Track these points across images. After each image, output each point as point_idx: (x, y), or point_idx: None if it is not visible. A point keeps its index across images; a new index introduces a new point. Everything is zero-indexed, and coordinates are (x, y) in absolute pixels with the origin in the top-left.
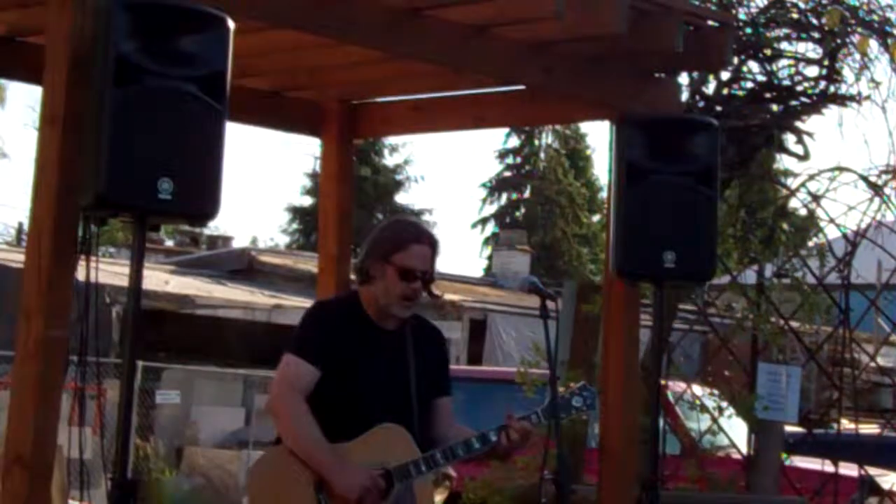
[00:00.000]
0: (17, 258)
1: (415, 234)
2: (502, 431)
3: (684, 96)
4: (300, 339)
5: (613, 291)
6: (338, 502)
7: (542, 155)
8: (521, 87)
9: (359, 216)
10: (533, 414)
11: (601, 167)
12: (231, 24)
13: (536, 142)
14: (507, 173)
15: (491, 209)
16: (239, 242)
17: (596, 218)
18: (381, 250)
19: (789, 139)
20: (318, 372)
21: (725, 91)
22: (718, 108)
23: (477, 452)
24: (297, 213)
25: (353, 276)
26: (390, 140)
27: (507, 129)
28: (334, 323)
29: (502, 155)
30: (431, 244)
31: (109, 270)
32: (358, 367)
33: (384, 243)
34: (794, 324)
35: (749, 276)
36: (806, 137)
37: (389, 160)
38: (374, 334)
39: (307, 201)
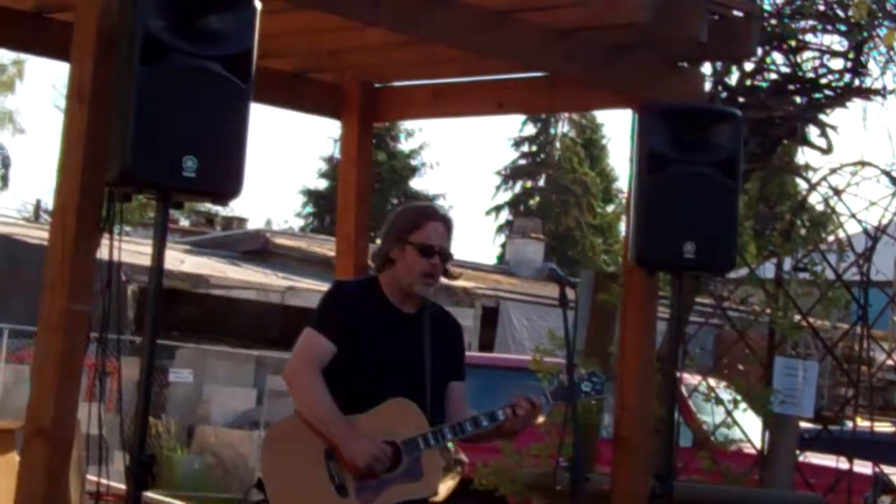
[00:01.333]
0: (35, 234)
1: (429, 213)
2: (509, 409)
3: (707, 86)
4: (320, 314)
5: (632, 281)
6: (347, 470)
7: (557, 144)
8: (543, 73)
9: (374, 201)
10: (542, 395)
11: (617, 157)
12: (258, 3)
13: (552, 130)
14: (522, 161)
15: (505, 197)
16: (253, 224)
17: (610, 208)
18: (399, 232)
19: (812, 132)
20: (335, 347)
21: (749, 82)
22: (741, 99)
23: (484, 429)
24: (312, 196)
25: (371, 265)
26: (406, 125)
27: (522, 117)
28: (353, 301)
29: (518, 143)
30: (445, 222)
31: (126, 249)
32: (374, 344)
33: (401, 225)
34: (811, 319)
35: (767, 270)
36: (829, 130)
37: (405, 145)
38: (393, 315)
39: (322, 184)
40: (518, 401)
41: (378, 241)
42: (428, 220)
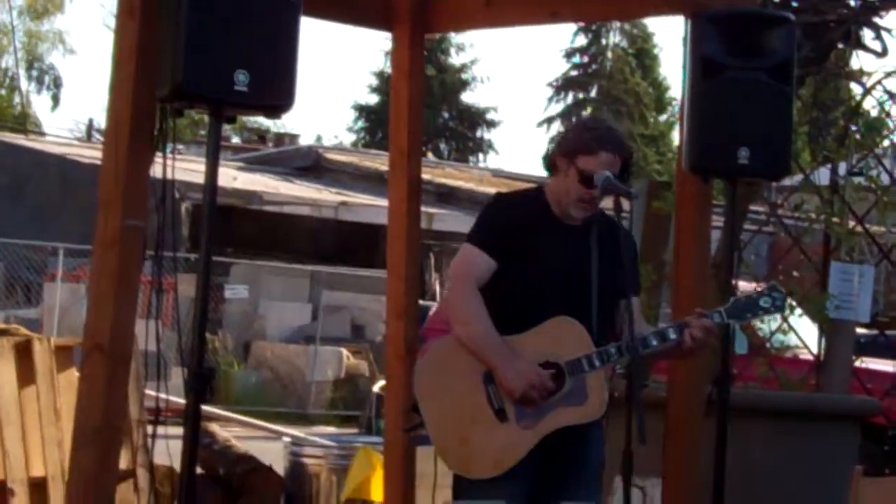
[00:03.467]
0: (88, 154)
1: (606, 141)
2: (685, 330)
3: None
4: (478, 229)
5: (686, 188)
6: (506, 394)
7: (609, 54)
8: None
9: (425, 115)
10: (716, 313)
11: (668, 66)
12: None
13: (603, 41)
14: (574, 73)
15: (557, 108)
16: (305, 140)
17: (662, 118)
18: (570, 147)
19: (867, 35)
20: (495, 263)
21: None
22: (795, 3)
23: (655, 349)
24: (364, 111)
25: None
26: (456, 39)
27: (574, 29)
28: (513, 214)
29: (569, 54)
30: (623, 156)
31: (179, 167)
32: (536, 259)
33: (574, 142)
34: (866, 224)
35: (822, 176)
36: (884, 33)
37: (455, 59)
38: (556, 228)
39: (374, 99)
40: (691, 320)
41: (431, 154)
42: (602, 149)
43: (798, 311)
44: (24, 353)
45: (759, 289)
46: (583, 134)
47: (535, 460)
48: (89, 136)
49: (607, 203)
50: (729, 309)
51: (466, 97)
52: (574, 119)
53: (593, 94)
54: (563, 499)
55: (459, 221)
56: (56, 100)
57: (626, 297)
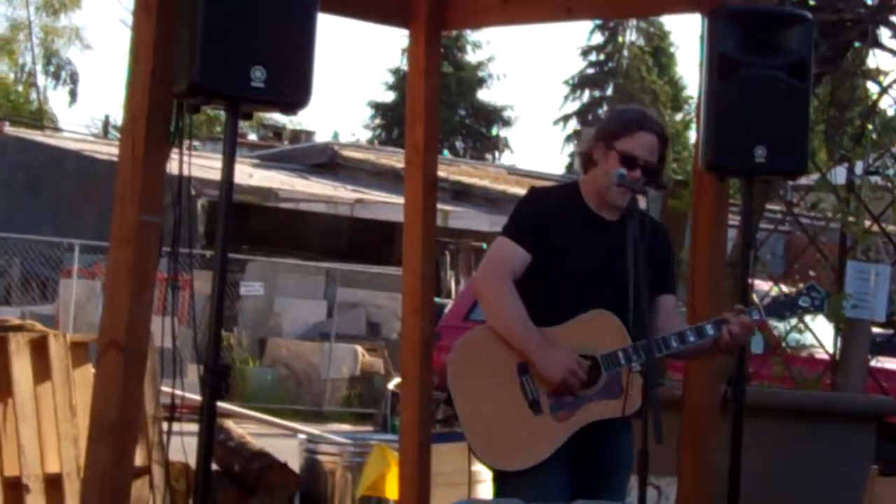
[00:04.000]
0: (104, 150)
1: (643, 121)
2: (724, 326)
3: None
4: (513, 222)
5: (702, 186)
6: (543, 386)
7: (625, 52)
8: None
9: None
10: (754, 310)
11: (685, 65)
12: None
13: (620, 39)
14: (590, 70)
15: (573, 106)
16: (321, 137)
17: (679, 116)
18: (607, 134)
19: (884, 34)
20: (529, 256)
21: None
22: (812, 2)
23: (692, 345)
24: (380, 108)
25: (576, 165)
26: (473, 36)
27: (590, 26)
28: (549, 207)
29: (585, 52)
30: (659, 135)
31: (195, 163)
32: (571, 253)
33: (611, 127)
34: (882, 223)
35: (838, 175)
36: None
37: (472, 57)
38: (592, 222)
39: (390, 97)
40: (729, 317)
41: (447, 151)
42: (640, 128)
43: None
44: (39, 350)
45: (800, 289)
46: (618, 118)
47: (568, 454)
48: (106, 133)
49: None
50: (768, 307)
51: (483, 95)
52: (591, 117)
53: (609, 91)
54: (590, 498)
55: (475, 219)
56: (73, 95)
57: (658, 293)
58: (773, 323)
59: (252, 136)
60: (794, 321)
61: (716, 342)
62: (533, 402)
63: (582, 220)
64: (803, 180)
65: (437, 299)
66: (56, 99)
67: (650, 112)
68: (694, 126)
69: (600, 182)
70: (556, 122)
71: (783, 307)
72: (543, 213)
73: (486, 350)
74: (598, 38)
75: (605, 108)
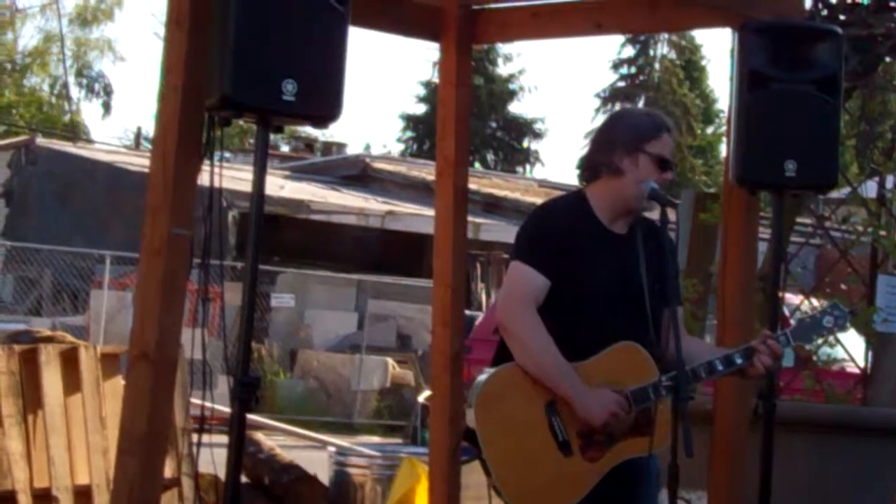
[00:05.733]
0: (136, 161)
1: (666, 124)
2: (754, 356)
3: (807, 4)
4: (528, 245)
5: (733, 200)
6: (572, 426)
7: (656, 65)
8: None
9: (472, 125)
10: (782, 335)
11: (716, 78)
12: None
13: (651, 52)
14: (622, 84)
15: (604, 119)
16: (353, 150)
17: (710, 129)
18: (632, 140)
19: None
20: (549, 282)
21: None
22: (842, 17)
23: (720, 375)
24: (411, 121)
25: (578, 176)
26: (504, 49)
27: (621, 39)
28: (563, 225)
29: (617, 65)
30: (672, 137)
31: (226, 175)
32: (590, 273)
33: (633, 133)
34: None
35: (869, 189)
36: None
37: (503, 69)
38: (606, 238)
39: (421, 109)
40: (758, 346)
41: (478, 164)
42: (665, 130)
43: None
44: (70, 361)
45: (820, 306)
46: (641, 124)
47: (599, 493)
48: (137, 144)
49: (653, 212)
50: (794, 331)
51: (514, 107)
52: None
53: (641, 105)
54: None
55: (505, 231)
56: (107, 107)
57: (670, 305)
58: None
59: (284, 148)
60: None
61: (743, 370)
62: (563, 443)
63: (594, 234)
64: (834, 194)
65: (467, 312)
66: (90, 111)
67: (659, 112)
68: (725, 140)
69: (629, 191)
70: (586, 135)
71: (809, 329)
72: (557, 234)
73: (514, 389)
74: (630, 51)
75: None
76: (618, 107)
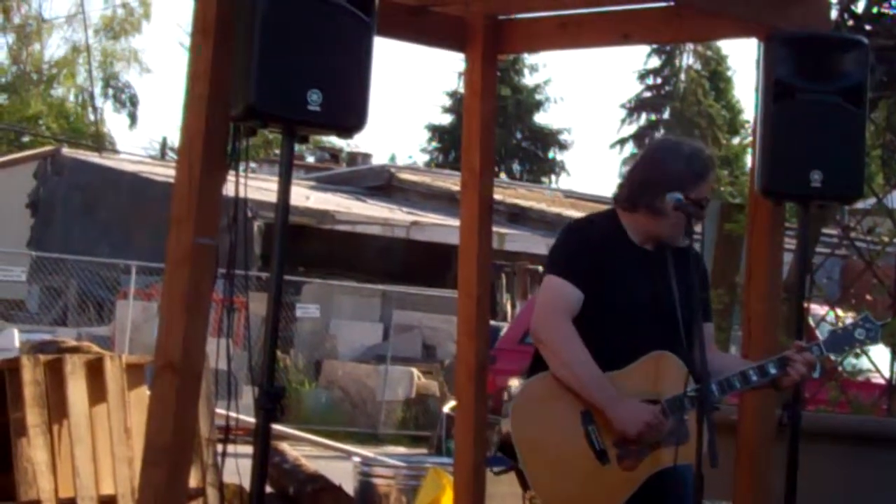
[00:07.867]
0: (161, 172)
1: (710, 164)
2: (788, 366)
3: (833, 14)
4: (563, 259)
5: (758, 211)
6: (609, 435)
7: (682, 76)
8: (669, 3)
9: (498, 135)
10: (815, 346)
11: (742, 89)
12: None
13: (677, 62)
14: (647, 94)
15: (630, 129)
16: (378, 160)
17: (735, 140)
18: (677, 185)
19: None
20: (583, 295)
21: (875, 9)
22: (868, 27)
23: (754, 385)
24: (437, 131)
25: (616, 202)
26: (530, 60)
27: (647, 50)
28: (596, 240)
29: (642, 76)
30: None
31: (251, 185)
32: (622, 287)
33: (678, 179)
34: None
35: (895, 200)
36: None
37: (529, 80)
38: (637, 255)
39: (447, 119)
40: (793, 356)
41: (504, 174)
42: (711, 170)
43: None
44: (95, 371)
45: (849, 317)
46: (682, 170)
47: (636, 501)
48: (163, 155)
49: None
50: (827, 342)
51: (539, 118)
52: (647, 140)
53: (666, 115)
54: None
55: (531, 242)
56: (133, 118)
57: (697, 319)
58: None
59: (309, 159)
60: None
61: (775, 381)
62: (600, 453)
63: (626, 252)
64: (860, 204)
65: (492, 322)
66: (116, 122)
67: (697, 145)
68: (750, 150)
69: (667, 231)
70: (612, 146)
71: (842, 341)
72: (590, 249)
73: (549, 400)
74: (655, 62)
75: (662, 131)
76: (643, 117)
